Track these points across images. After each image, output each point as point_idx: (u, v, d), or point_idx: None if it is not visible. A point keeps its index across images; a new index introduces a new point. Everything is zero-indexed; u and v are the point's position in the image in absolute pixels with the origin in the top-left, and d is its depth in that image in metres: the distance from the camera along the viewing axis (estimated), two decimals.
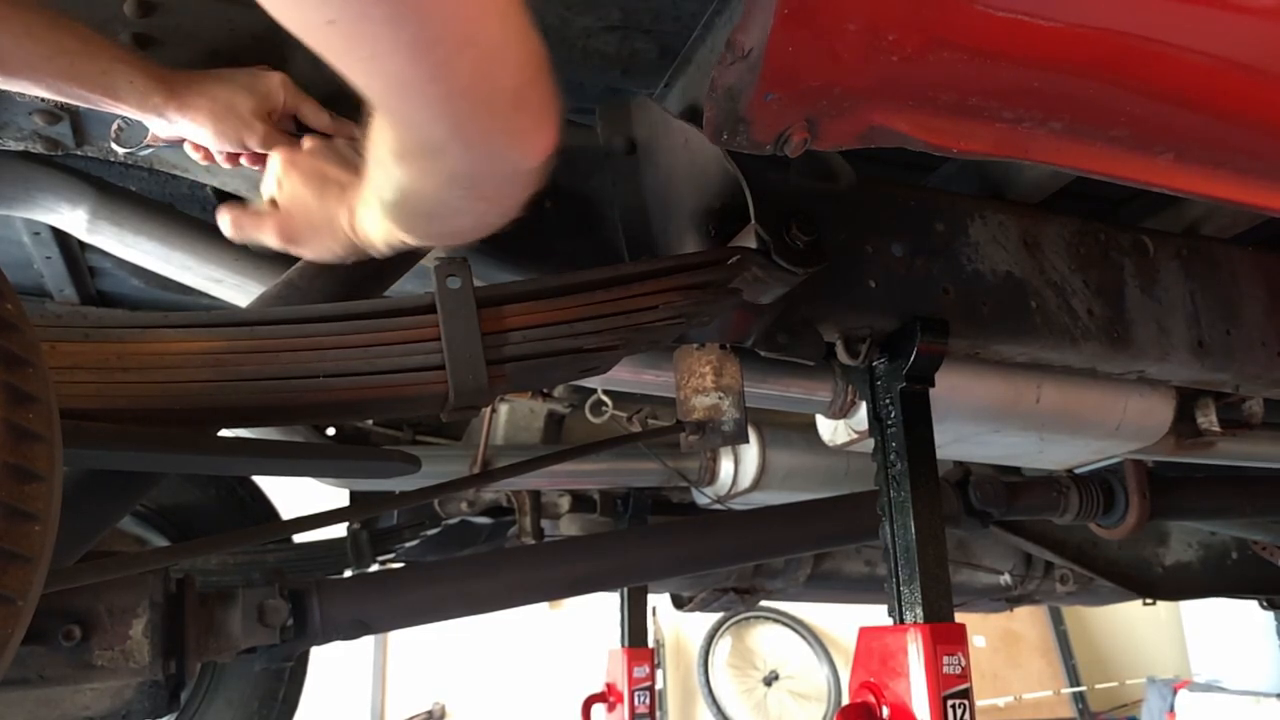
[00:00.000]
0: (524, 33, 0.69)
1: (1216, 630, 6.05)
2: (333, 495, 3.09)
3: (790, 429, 2.26)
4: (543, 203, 1.24)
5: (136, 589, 1.27)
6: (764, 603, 3.91)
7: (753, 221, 1.11)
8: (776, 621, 7.03)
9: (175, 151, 1.17)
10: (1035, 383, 1.60)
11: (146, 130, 1.12)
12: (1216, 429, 1.78)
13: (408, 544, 2.68)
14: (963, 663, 1.20)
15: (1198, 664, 6.31)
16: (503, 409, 2.33)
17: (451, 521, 2.71)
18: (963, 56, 0.92)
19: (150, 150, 1.16)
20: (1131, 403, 1.70)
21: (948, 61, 0.92)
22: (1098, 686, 7.37)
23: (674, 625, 6.84)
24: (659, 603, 5.16)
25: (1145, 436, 1.76)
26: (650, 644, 3.35)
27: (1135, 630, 7.55)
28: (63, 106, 1.12)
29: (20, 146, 1.18)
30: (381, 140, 0.83)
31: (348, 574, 2.48)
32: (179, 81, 1.05)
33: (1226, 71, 0.97)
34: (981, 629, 7.15)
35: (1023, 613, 6.55)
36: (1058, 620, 7.56)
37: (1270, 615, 4.64)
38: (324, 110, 1.12)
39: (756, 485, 2.24)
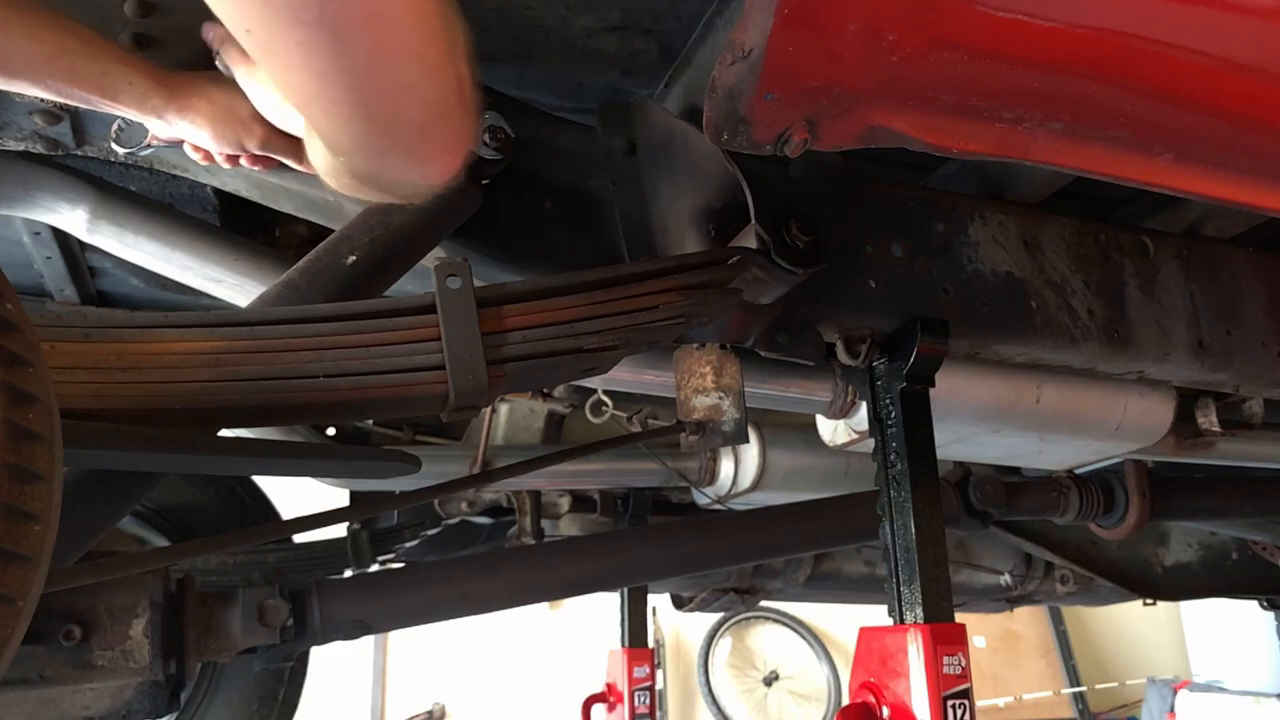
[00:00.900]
0: (441, 70, 0.70)
1: (1216, 630, 6.04)
2: (333, 495, 3.09)
3: (790, 429, 2.26)
4: (542, 202, 1.25)
5: (136, 589, 1.27)
6: (764, 603, 3.91)
7: (753, 221, 1.12)
8: (776, 622, 7.03)
9: (175, 152, 1.17)
10: (1035, 383, 1.60)
11: (146, 131, 1.12)
12: (1216, 429, 1.78)
13: (408, 544, 2.68)
14: (963, 663, 1.20)
15: (1198, 664, 6.31)
16: (503, 409, 2.33)
17: (451, 521, 2.71)
18: (963, 57, 0.92)
19: (150, 151, 1.16)
20: (1131, 403, 1.70)
21: (948, 62, 0.92)
22: (1098, 687, 7.36)
23: (674, 625, 6.84)
24: (659, 603, 5.16)
25: (1145, 437, 1.76)
26: (650, 644, 3.35)
27: (1135, 630, 7.55)
28: (63, 107, 1.12)
29: (20, 146, 1.18)
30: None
31: (348, 574, 2.48)
32: (178, 83, 1.05)
33: (1226, 71, 0.97)
34: (981, 629, 7.15)
35: (1023, 613, 6.55)
36: (1058, 620, 7.55)
37: (1270, 615, 4.63)
38: None
39: (756, 485, 2.24)
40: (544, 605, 6.27)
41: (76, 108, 1.11)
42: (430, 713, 6.46)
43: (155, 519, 2.44)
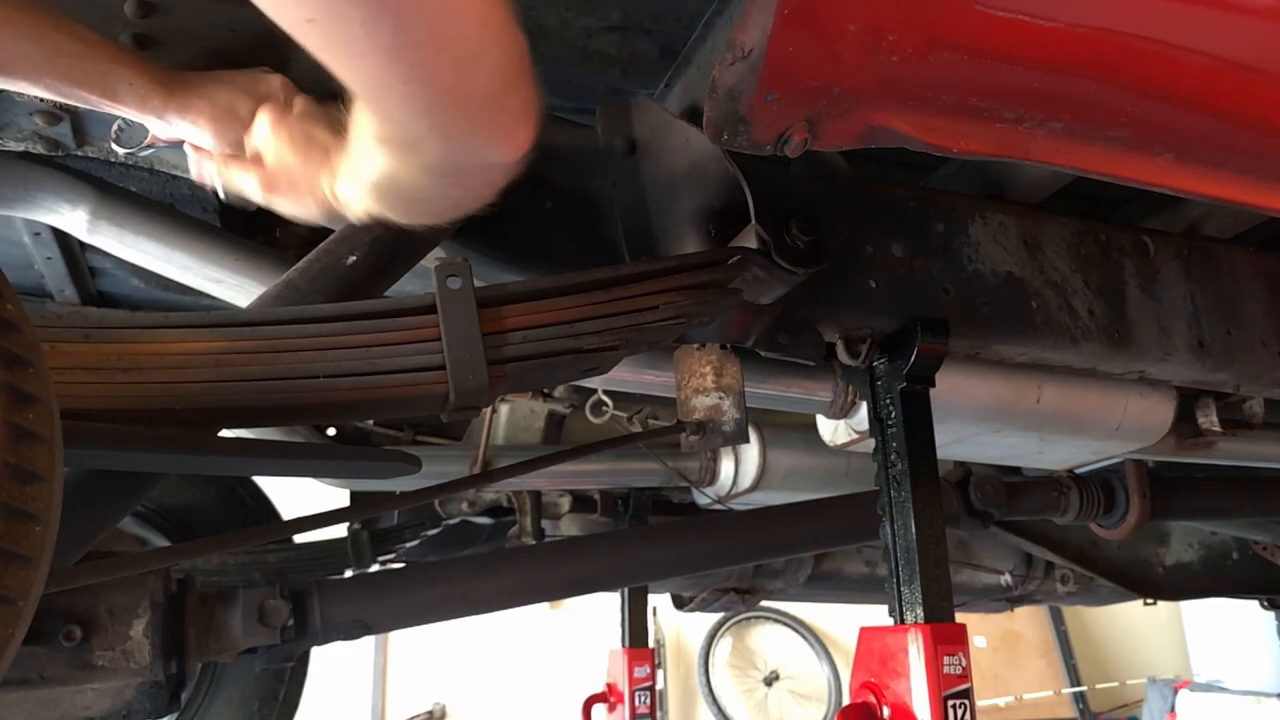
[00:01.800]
0: (504, 35, 0.70)
1: (1217, 630, 6.05)
2: (333, 495, 3.09)
3: (790, 429, 2.26)
4: (543, 203, 1.25)
5: (137, 589, 1.27)
6: (764, 603, 3.91)
7: (753, 221, 1.11)
8: (777, 621, 7.03)
9: (175, 152, 1.17)
10: (1036, 383, 1.60)
11: (146, 131, 1.12)
12: (1217, 429, 1.78)
13: (408, 544, 2.68)
14: (963, 663, 1.20)
15: (1198, 664, 6.31)
16: (503, 409, 2.33)
17: (452, 522, 2.71)
18: (963, 57, 0.92)
19: (150, 151, 1.16)
20: (1132, 403, 1.70)
21: (948, 62, 0.92)
22: (1098, 687, 7.36)
23: (674, 625, 6.84)
24: (659, 603, 5.16)
25: (1146, 436, 1.76)
26: (651, 644, 3.35)
27: (1136, 630, 7.55)
28: (63, 107, 1.12)
29: (21, 147, 1.19)
30: (363, 125, 0.85)
31: (348, 574, 2.48)
32: (179, 83, 1.05)
33: (1226, 71, 0.97)
34: (982, 629, 7.15)
35: (1023, 613, 6.55)
36: (1058, 620, 7.55)
37: (1271, 615, 4.64)
38: None
39: (757, 485, 2.24)
40: (544, 605, 6.27)
41: (77, 108, 1.11)
42: (430, 713, 6.46)
43: (156, 519, 2.44)
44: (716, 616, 6.64)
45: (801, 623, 7.00)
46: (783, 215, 1.14)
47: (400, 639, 6.36)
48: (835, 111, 0.97)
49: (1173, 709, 5.89)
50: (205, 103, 1.06)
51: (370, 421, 2.33)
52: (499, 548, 2.90)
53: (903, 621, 1.26)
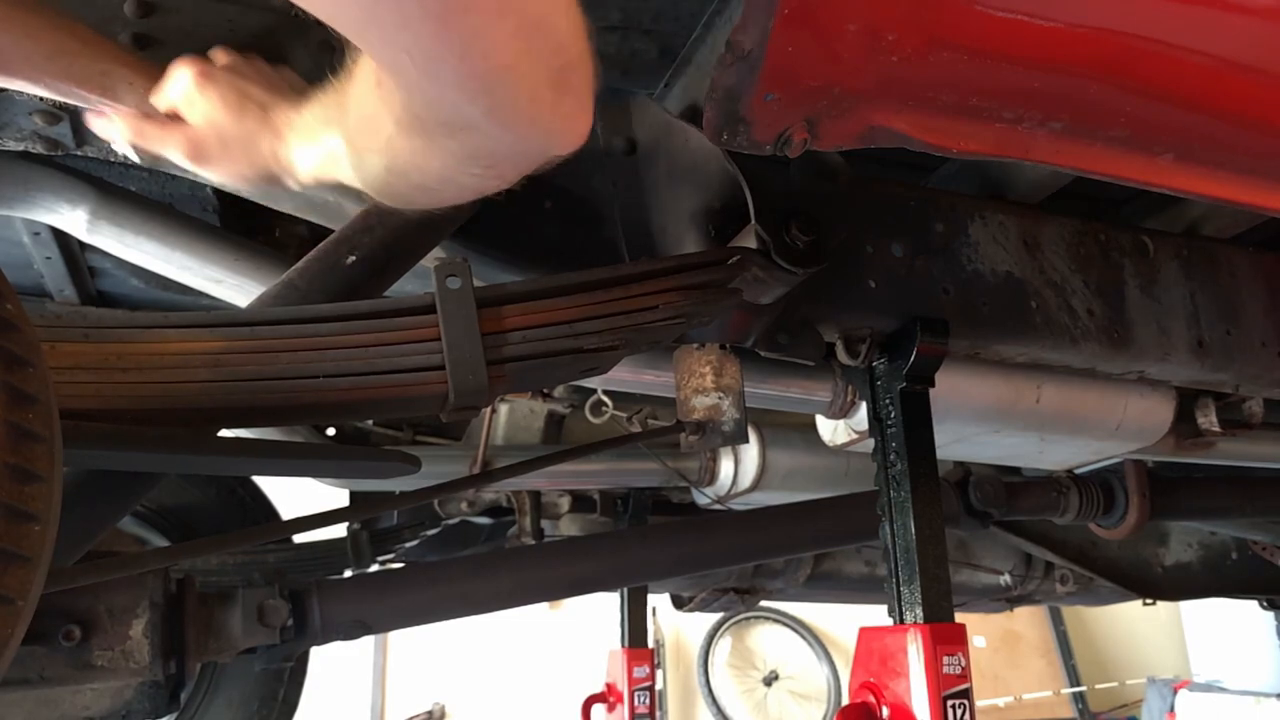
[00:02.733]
0: (563, 7, 0.62)
1: (1216, 630, 6.05)
2: (333, 495, 3.09)
3: (790, 429, 2.26)
4: (543, 203, 1.25)
5: (136, 589, 1.27)
6: (764, 603, 3.91)
7: (753, 221, 1.12)
8: (776, 621, 7.03)
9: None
10: (1035, 383, 1.60)
11: None
12: (1216, 429, 1.78)
13: (408, 544, 2.68)
14: (963, 663, 1.20)
15: (1198, 664, 6.31)
16: (503, 409, 2.33)
17: (451, 522, 2.71)
18: (962, 57, 0.92)
19: None
20: (1131, 403, 1.70)
21: (947, 62, 0.92)
22: (1098, 687, 7.37)
23: (674, 625, 6.84)
24: (659, 603, 5.16)
25: (1145, 437, 1.76)
26: (650, 644, 3.35)
27: (1135, 630, 7.55)
28: (62, 106, 1.12)
29: (20, 146, 1.18)
30: (385, 109, 0.75)
31: (348, 574, 2.48)
32: None
33: (1226, 71, 0.97)
34: (981, 629, 7.15)
35: (1023, 613, 6.55)
36: (1058, 620, 7.56)
37: (1270, 615, 4.64)
38: None
39: (756, 485, 2.24)
40: (544, 605, 6.27)
41: (76, 108, 1.11)
42: (430, 713, 6.46)
43: (155, 519, 2.44)
44: (716, 616, 6.64)
45: (801, 623, 7.00)
46: (782, 215, 1.14)
47: (400, 639, 6.36)
48: (835, 111, 0.97)
49: (1172, 709, 5.89)
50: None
51: (370, 421, 2.33)
52: (499, 548, 2.90)
53: (902, 621, 1.26)
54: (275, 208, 1.31)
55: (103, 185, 1.36)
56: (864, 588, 3.16)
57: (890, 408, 1.37)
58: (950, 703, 1.16)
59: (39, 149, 1.18)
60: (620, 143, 1.27)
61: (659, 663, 6.33)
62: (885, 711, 1.20)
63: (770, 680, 6.90)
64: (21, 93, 1.02)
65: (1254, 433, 1.88)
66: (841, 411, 1.63)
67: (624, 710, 3.15)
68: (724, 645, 6.90)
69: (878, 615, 1.38)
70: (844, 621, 6.84)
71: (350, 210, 1.17)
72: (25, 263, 1.72)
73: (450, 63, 0.62)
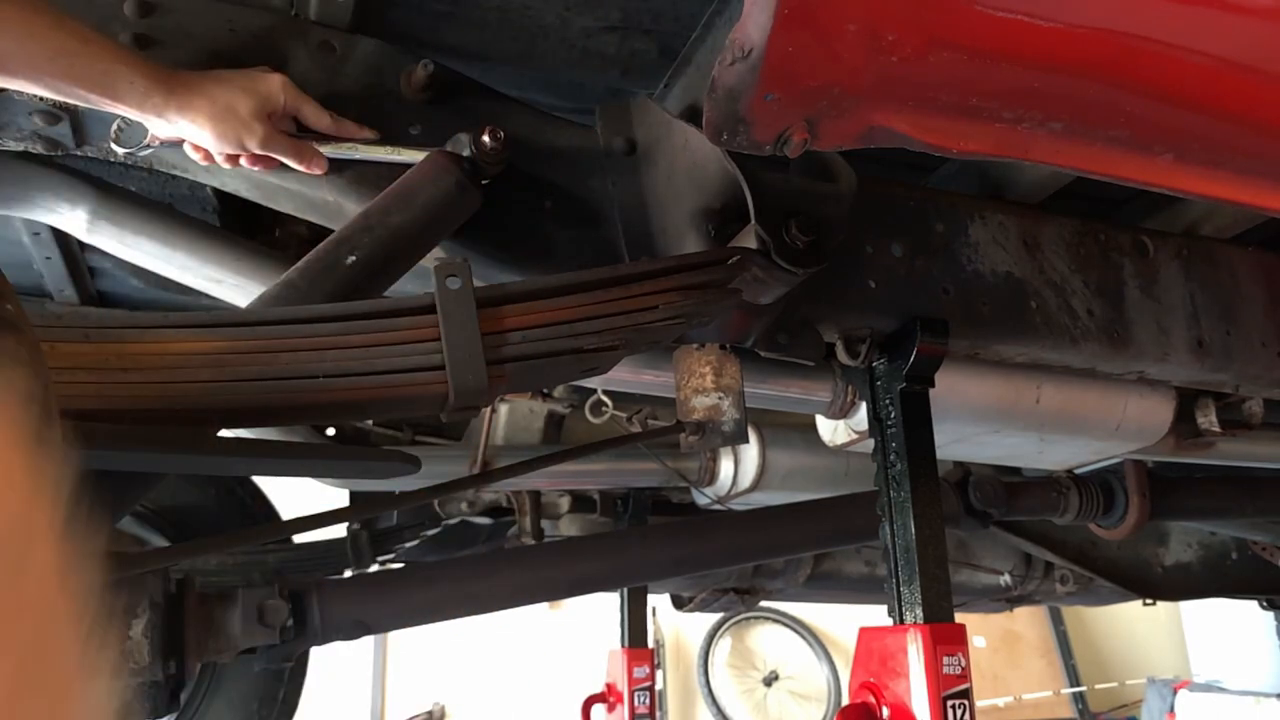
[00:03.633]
0: None
1: (1216, 630, 6.04)
2: (333, 495, 3.09)
3: (790, 429, 2.25)
4: (543, 203, 1.25)
5: (136, 589, 1.27)
6: (764, 603, 3.91)
7: (753, 221, 1.11)
8: (776, 622, 7.03)
9: (175, 152, 1.16)
10: (1035, 383, 1.60)
11: (146, 131, 1.12)
12: (1216, 429, 1.78)
13: (408, 544, 2.68)
14: (963, 663, 1.20)
15: (1198, 664, 6.31)
16: (503, 409, 2.33)
17: (451, 522, 2.71)
18: (963, 57, 0.92)
19: (150, 150, 1.16)
20: (1131, 403, 1.70)
21: (948, 62, 0.92)
22: (1098, 687, 7.36)
23: (674, 625, 6.84)
24: (659, 603, 5.15)
25: (1145, 437, 1.76)
26: (650, 644, 3.35)
27: (1135, 630, 7.55)
28: (62, 106, 1.12)
29: (20, 147, 1.18)
30: None
31: (348, 574, 2.48)
32: (179, 82, 1.05)
33: (1226, 71, 0.97)
34: (981, 629, 7.15)
35: (1023, 613, 6.55)
36: (1058, 620, 7.55)
37: (1270, 615, 4.63)
38: (325, 111, 1.12)
39: (756, 485, 2.24)
40: (544, 605, 6.26)
41: (76, 107, 1.11)
42: (430, 713, 6.46)
43: (155, 519, 2.44)
44: (716, 617, 6.64)
45: (801, 623, 7.00)
46: (782, 215, 1.14)
47: (400, 639, 6.36)
48: (835, 111, 0.97)
49: (1172, 709, 5.89)
50: (206, 102, 1.06)
51: (370, 421, 2.33)
52: (498, 548, 2.90)
53: (902, 622, 1.26)
54: (275, 208, 1.31)
55: (102, 185, 1.36)
56: (864, 588, 3.16)
57: (890, 408, 1.37)
58: (950, 703, 1.16)
59: (39, 149, 1.18)
60: (620, 143, 1.27)
61: (659, 663, 6.33)
62: (885, 711, 1.20)
63: (770, 680, 6.89)
64: (22, 93, 1.02)
65: (1254, 433, 1.88)
66: (841, 411, 1.63)
67: (624, 710, 3.15)
68: (724, 645, 6.90)
69: (878, 615, 1.38)
70: (844, 621, 6.84)
71: (350, 210, 1.18)
72: (25, 263, 1.73)
73: None
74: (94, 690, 0.47)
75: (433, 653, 6.43)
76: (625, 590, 3.22)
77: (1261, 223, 1.67)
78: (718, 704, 6.66)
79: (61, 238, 1.66)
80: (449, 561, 1.78)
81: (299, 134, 1.13)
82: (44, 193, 1.34)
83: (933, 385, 1.37)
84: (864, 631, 1.29)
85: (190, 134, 1.09)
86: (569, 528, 2.77)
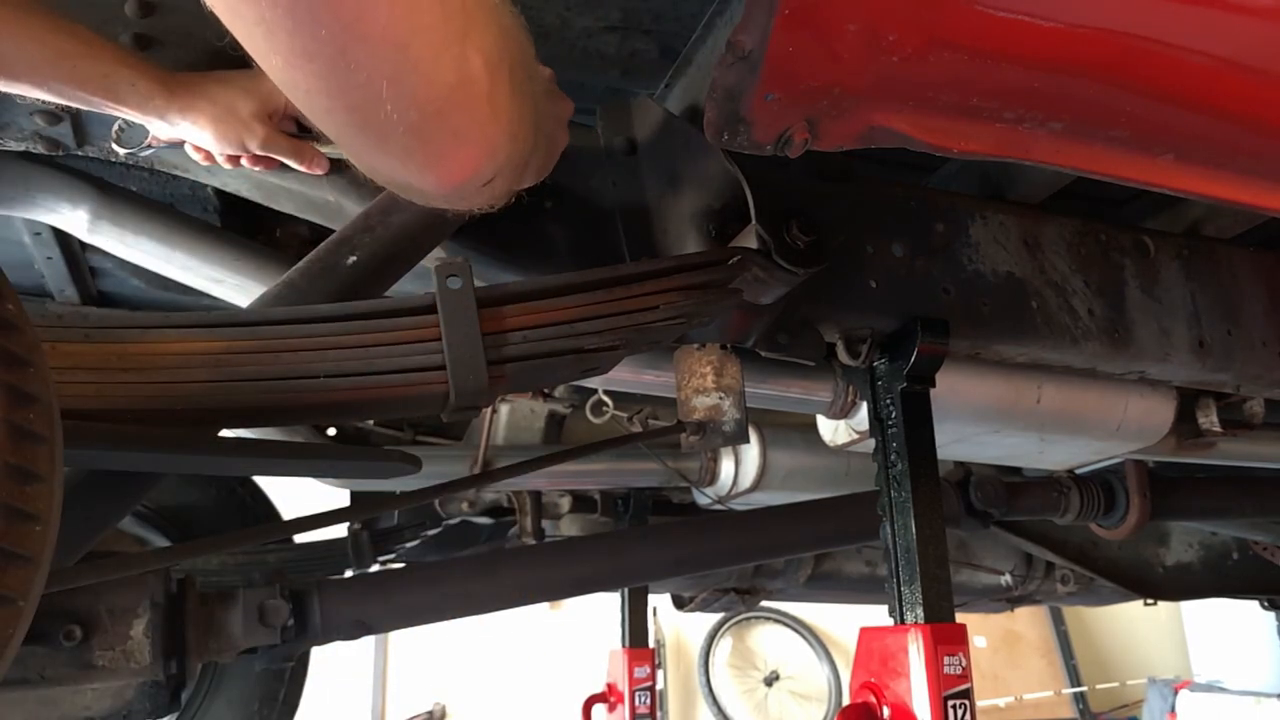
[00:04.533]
0: (432, 59, 0.61)
1: (1217, 631, 6.04)
2: (333, 495, 3.09)
3: (790, 429, 2.25)
4: (543, 203, 1.25)
5: (137, 589, 1.27)
6: (764, 603, 3.91)
7: (753, 221, 1.12)
8: (777, 622, 7.03)
9: (176, 152, 1.17)
10: (1036, 383, 1.60)
11: (147, 131, 1.12)
12: (1217, 429, 1.78)
13: (408, 544, 2.68)
14: (963, 663, 1.20)
15: (1198, 664, 6.31)
16: (503, 409, 2.33)
17: (452, 522, 2.71)
18: (963, 57, 0.92)
19: (151, 151, 1.16)
20: (1132, 403, 1.70)
21: (948, 62, 0.92)
22: (1098, 687, 7.36)
23: (674, 625, 6.84)
24: (659, 603, 5.16)
25: (1146, 437, 1.76)
26: (651, 644, 3.35)
27: (1136, 630, 7.55)
28: (63, 108, 1.13)
29: (21, 147, 1.19)
30: None
31: (348, 574, 2.48)
32: (180, 84, 1.05)
33: (1227, 72, 0.97)
34: (982, 629, 7.15)
35: (1023, 613, 6.55)
36: (1058, 620, 7.55)
37: (1271, 615, 4.63)
38: None
39: (757, 486, 2.24)
40: (544, 605, 6.27)
41: (77, 108, 1.11)
42: (430, 713, 6.46)
43: (155, 519, 2.44)
44: (716, 617, 6.64)
45: (801, 623, 7.00)
46: (783, 215, 1.14)
47: (400, 639, 6.36)
48: (835, 111, 0.97)
49: (1173, 709, 5.89)
50: (207, 103, 1.06)
51: (370, 421, 2.33)
52: (499, 548, 2.90)
53: (903, 621, 1.25)
54: (276, 208, 1.31)
55: (103, 185, 1.36)
56: (864, 588, 3.16)
57: (891, 408, 1.37)
58: (951, 703, 1.16)
59: (40, 149, 1.19)
60: (620, 143, 1.27)
61: (659, 663, 6.33)
62: (886, 711, 1.20)
63: (771, 680, 6.89)
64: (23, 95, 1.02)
65: (1255, 433, 1.88)
66: (842, 411, 1.63)
67: (624, 710, 3.15)
68: (724, 645, 6.90)
69: (878, 615, 1.38)
70: (844, 621, 6.84)
71: (351, 210, 1.18)
72: (26, 263, 1.73)
73: (300, 94, 0.63)
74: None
75: (433, 653, 6.44)
76: (626, 590, 3.22)
77: (1262, 223, 1.67)
78: (718, 704, 6.66)
79: (62, 238, 1.66)
80: (449, 561, 1.78)
81: (300, 134, 1.14)
82: (45, 193, 1.34)
83: (933, 385, 1.37)
84: (864, 631, 1.29)
85: (191, 135, 1.09)
86: (569, 528, 2.77)
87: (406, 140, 0.68)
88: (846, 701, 1.27)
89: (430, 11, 0.59)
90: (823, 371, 1.60)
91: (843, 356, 1.40)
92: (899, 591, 1.27)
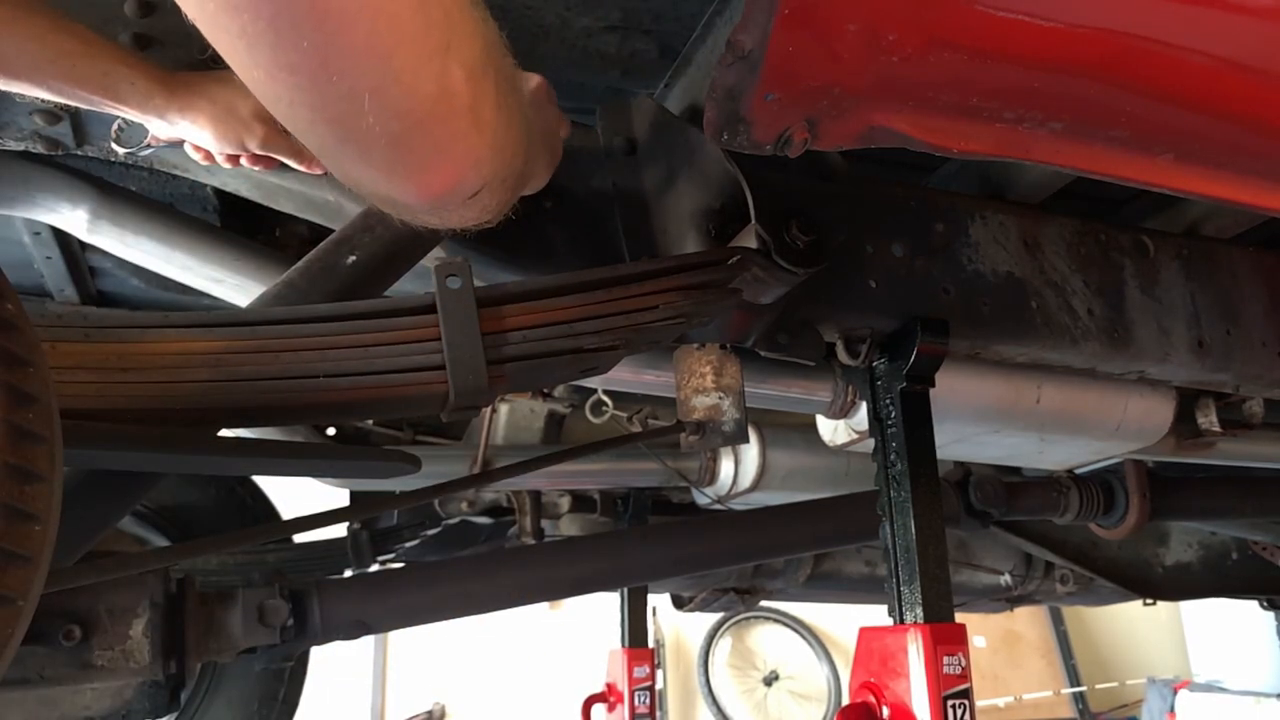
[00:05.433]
0: (414, 72, 0.61)
1: (1217, 630, 6.04)
2: (333, 495, 3.09)
3: (790, 429, 2.25)
4: (543, 202, 1.25)
5: (136, 589, 1.27)
6: (764, 603, 3.91)
7: (753, 221, 1.11)
8: (776, 622, 7.03)
9: (175, 151, 1.17)
10: (1035, 383, 1.60)
11: (146, 131, 1.12)
12: (1217, 429, 1.78)
13: (408, 544, 2.68)
14: (963, 663, 1.20)
15: (1198, 664, 6.31)
16: (503, 409, 2.33)
17: (451, 521, 2.71)
18: (963, 57, 0.92)
19: (150, 150, 1.16)
20: (1132, 403, 1.70)
21: (948, 62, 0.92)
22: (1098, 687, 7.36)
23: (674, 625, 6.84)
24: (659, 603, 5.16)
25: (1145, 437, 1.76)
26: (650, 644, 3.34)
27: (1135, 630, 7.55)
28: (63, 107, 1.13)
29: (21, 146, 1.19)
30: None
31: (348, 574, 2.48)
32: (180, 83, 1.05)
33: (1226, 71, 0.97)
34: (981, 629, 7.15)
35: (1023, 613, 6.55)
36: (1058, 620, 7.55)
37: (1270, 615, 4.64)
38: None
39: (756, 485, 2.24)
40: (544, 605, 6.27)
41: (76, 108, 1.11)
42: (430, 713, 6.46)
43: (155, 519, 2.44)
44: (716, 616, 6.64)
45: (801, 623, 7.00)
46: (782, 215, 1.14)
47: (400, 639, 6.37)
48: (835, 111, 0.97)
49: (1172, 709, 5.89)
50: (206, 102, 1.06)
51: (370, 421, 2.33)
52: (499, 548, 2.90)
53: (902, 621, 1.25)
54: (275, 207, 1.31)
55: (103, 185, 1.36)
56: (864, 588, 3.16)
57: (890, 408, 1.37)
58: (950, 703, 1.16)
59: (39, 149, 1.19)
60: (620, 143, 1.27)
61: (659, 663, 6.33)
62: (885, 711, 1.20)
63: (770, 680, 6.90)
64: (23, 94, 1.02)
65: (1254, 433, 1.88)
66: (842, 411, 1.63)
67: (624, 710, 3.15)
68: (724, 645, 6.90)
69: (878, 615, 1.38)
70: (844, 621, 6.84)
71: (350, 210, 1.18)
72: (26, 262, 1.73)
73: (280, 106, 0.63)
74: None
75: (433, 653, 6.44)
76: (625, 590, 3.22)
77: (1262, 223, 1.67)
78: (718, 704, 6.66)
79: (62, 237, 1.66)
80: (449, 561, 1.78)
81: None
82: (45, 192, 1.34)
83: (933, 385, 1.37)
84: (864, 631, 1.29)
85: (191, 134, 1.09)
86: (569, 527, 2.77)
87: (388, 152, 0.68)
88: (846, 701, 1.27)
89: (412, 23, 0.59)
90: (822, 371, 1.60)
91: (842, 356, 1.40)
92: (898, 591, 1.27)
